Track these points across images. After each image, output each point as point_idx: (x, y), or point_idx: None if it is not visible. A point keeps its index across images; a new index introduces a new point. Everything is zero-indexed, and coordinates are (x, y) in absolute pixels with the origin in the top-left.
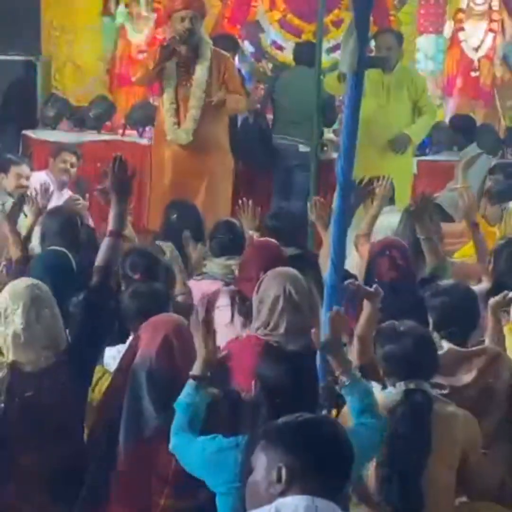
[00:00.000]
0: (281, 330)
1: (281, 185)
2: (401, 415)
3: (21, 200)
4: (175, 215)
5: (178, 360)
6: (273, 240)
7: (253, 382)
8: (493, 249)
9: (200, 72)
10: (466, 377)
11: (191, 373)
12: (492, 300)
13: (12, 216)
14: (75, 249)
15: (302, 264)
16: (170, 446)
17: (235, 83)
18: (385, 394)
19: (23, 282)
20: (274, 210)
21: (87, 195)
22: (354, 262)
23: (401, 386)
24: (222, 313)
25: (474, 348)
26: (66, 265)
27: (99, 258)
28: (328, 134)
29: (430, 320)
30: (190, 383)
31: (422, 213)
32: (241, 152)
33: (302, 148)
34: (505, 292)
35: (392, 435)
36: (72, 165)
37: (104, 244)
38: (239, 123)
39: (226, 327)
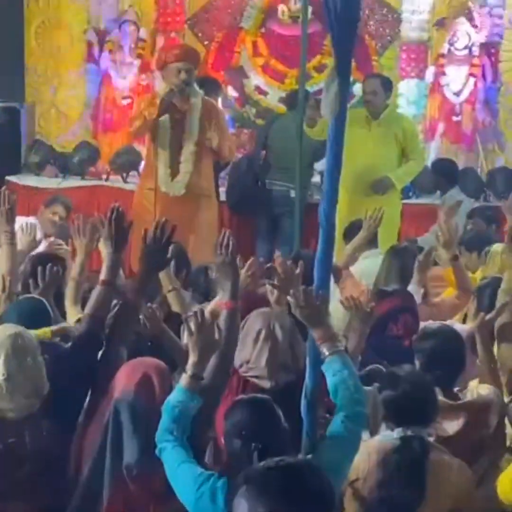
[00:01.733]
0: (262, 363)
1: (268, 230)
2: (397, 462)
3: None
4: None
5: (158, 397)
6: (261, 293)
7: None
8: (477, 287)
9: (191, 123)
10: (452, 428)
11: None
12: (474, 325)
13: None
14: (56, 296)
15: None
16: (157, 450)
17: (224, 131)
18: (381, 438)
19: (5, 330)
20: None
21: (70, 240)
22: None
23: (398, 432)
24: None
25: (460, 402)
26: (42, 314)
27: (89, 306)
28: (314, 178)
29: (417, 364)
30: (180, 385)
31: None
32: (233, 198)
33: (293, 193)
34: (482, 314)
35: (386, 481)
36: (60, 218)
37: (95, 293)
38: (229, 167)
39: None
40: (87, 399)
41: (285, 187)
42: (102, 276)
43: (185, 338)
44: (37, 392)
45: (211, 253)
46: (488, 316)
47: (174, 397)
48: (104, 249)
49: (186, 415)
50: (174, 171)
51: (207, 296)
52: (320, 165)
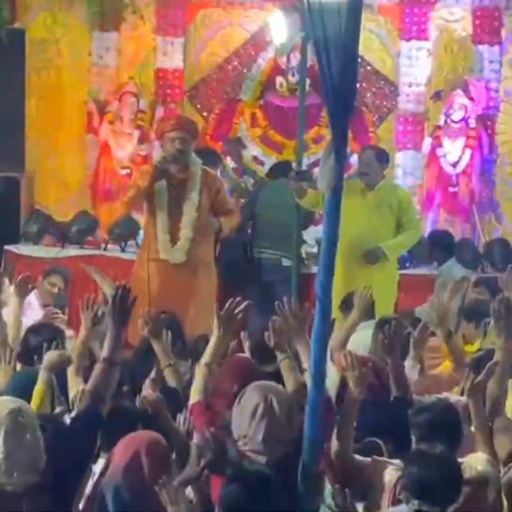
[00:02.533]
0: (259, 438)
1: (262, 300)
2: None
3: None
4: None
5: (148, 476)
6: (246, 356)
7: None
8: (471, 358)
9: (191, 191)
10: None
11: None
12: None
13: None
14: None
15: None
16: None
17: (227, 202)
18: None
19: (5, 406)
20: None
21: (66, 309)
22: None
23: (414, 505)
24: None
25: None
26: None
27: (89, 383)
28: (311, 249)
29: (413, 438)
30: None
31: (392, 347)
32: (223, 266)
33: (285, 262)
34: (472, 376)
35: None
36: (59, 288)
37: (97, 369)
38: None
39: None
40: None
41: (276, 256)
42: (103, 353)
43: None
44: (35, 467)
45: (209, 323)
46: (477, 380)
47: None
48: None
49: None
50: (174, 238)
51: None
52: (314, 233)
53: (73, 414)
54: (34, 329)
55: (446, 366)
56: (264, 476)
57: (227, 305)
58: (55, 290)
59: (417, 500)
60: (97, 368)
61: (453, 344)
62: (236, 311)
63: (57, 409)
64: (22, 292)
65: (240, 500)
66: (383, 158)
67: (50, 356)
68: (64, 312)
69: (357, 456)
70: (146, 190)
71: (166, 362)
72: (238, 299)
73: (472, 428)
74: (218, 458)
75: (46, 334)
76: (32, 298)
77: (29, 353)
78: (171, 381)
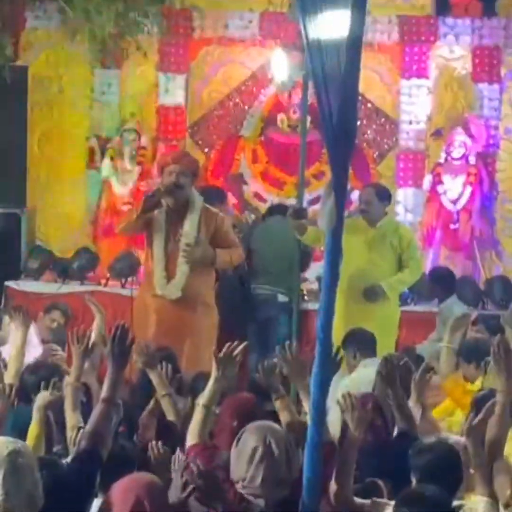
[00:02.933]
0: (258, 481)
1: (259, 336)
2: None
3: None
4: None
5: None
6: (245, 394)
7: None
8: (473, 399)
9: (189, 226)
10: None
11: None
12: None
13: None
14: None
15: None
16: None
17: (228, 239)
18: None
19: (4, 447)
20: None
21: (66, 346)
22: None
23: None
24: None
25: None
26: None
27: (89, 423)
28: (310, 285)
29: (413, 479)
30: None
31: (392, 379)
32: (220, 303)
33: (281, 298)
34: (471, 417)
35: None
36: (59, 324)
37: (96, 410)
38: None
39: None
40: None
41: (271, 291)
42: (103, 393)
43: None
44: (33, 508)
45: (207, 359)
46: (476, 420)
47: None
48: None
49: None
50: (170, 274)
51: None
52: (314, 270)
53: (73, 455)
54: (31, 368)
55: (446, 407)
56: None
57: (225, 348)
58: (55, 325)
59: None
60: (97, 408)
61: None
62: (235, 353)
63: (55, 448)
64: (25, 323)
65: None
66: (384, 195)
67: (41, 396)
68: (64, 349)
69: (357, 498)
70: (137, 220)
71: (163, 391)
72: (236, 342)
73: (471, 470)
74: (204, 492)
75: (43, 372)
76: (32, 335)
77: (27, 391)
78: (168, 412)
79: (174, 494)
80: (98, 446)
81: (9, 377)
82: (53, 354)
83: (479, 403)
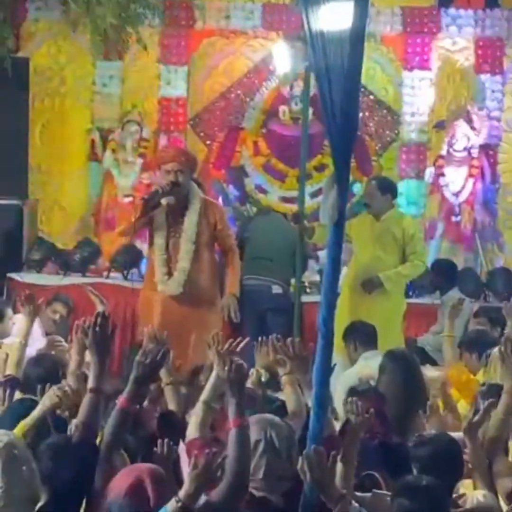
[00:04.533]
0: (260, 475)
1: (254, 328)
2: None
3: None
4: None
5: (153, 501)
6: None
7: None
8: (477, 392)
9: (189, 223)
10: None
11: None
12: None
13: None
14: None
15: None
16: None
17: (227, 232)
18: None
19: None
20: None
21: (69, 337)
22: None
23: None
24: None
25: (462, 510)
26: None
27: (80, 414)
28: (312, 276)
29: (414, 471)
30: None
31: None
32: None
33: (276, 289)
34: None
35: None
36: (61, 316)
37: (85, 401)
38: None
39: None
40: (84, 505)
41: (266, 283)
42: (89, 384)
43: (186, 466)
44: (33, 499)
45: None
46: (475, 418)
47: None
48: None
49: None
50: (171, 270)
51: None
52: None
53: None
54: (35, 360)
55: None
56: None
57: (227, 345)
58: (57, 316)
59: None
60: (85, 399)
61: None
62: (237, 349)
63: None
64: (34, 311)
65: None
66: (386, 188)
67: (48, 396)
68: (67, 341)
69: (358, 493)
70: (136, 223)
71: (167, 379)
72: (239, 338)
73: (469, 465)
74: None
75: (47, 364)
76: (35, 327)
77: (30, 383)
78: (171, 401)
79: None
80: (90, 435)
81: (10, 367)
82: (56, 345)
83: (483, 397)
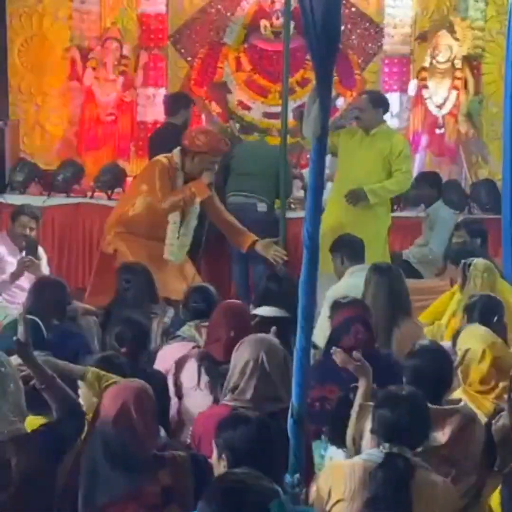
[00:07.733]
0: (248, 396)
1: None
2: (382, 479)
3: None
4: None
5: (138, 427)
6: (238, 301)
7: (213, 444)
8: (465, 305)
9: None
10: (440, 437)
11: None
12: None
13: None
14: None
15: (289, 326)
16: None
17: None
18: (365, 457)
19: None
20: (271, 272)
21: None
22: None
23: (384, 447)
24: (190, 377)
25: (447, 407)
26: (34, 334)
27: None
28: (296, 192)
29: (404, 380)
30: None
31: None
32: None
33: (261, 207)
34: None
35: (371, 500)
36: (31, 230)
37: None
38: None
39: (194, 391)
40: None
41: (251, 200)
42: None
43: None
44: (20, 417)
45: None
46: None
47: None
48: None
49: None
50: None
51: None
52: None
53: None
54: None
55: (434, 308)
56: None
57: None
58: (27, 231)
59: (387, 443)
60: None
61: None
62: None
63: None
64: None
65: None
66: (378, 102)
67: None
68: (35, 256)
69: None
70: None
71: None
72: None
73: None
74: None
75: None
76: (2, 249)
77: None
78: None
79: None
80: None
81: None
82: (27, 265)
83: (472, 308)
